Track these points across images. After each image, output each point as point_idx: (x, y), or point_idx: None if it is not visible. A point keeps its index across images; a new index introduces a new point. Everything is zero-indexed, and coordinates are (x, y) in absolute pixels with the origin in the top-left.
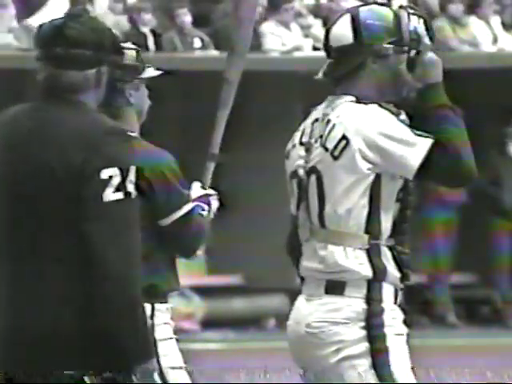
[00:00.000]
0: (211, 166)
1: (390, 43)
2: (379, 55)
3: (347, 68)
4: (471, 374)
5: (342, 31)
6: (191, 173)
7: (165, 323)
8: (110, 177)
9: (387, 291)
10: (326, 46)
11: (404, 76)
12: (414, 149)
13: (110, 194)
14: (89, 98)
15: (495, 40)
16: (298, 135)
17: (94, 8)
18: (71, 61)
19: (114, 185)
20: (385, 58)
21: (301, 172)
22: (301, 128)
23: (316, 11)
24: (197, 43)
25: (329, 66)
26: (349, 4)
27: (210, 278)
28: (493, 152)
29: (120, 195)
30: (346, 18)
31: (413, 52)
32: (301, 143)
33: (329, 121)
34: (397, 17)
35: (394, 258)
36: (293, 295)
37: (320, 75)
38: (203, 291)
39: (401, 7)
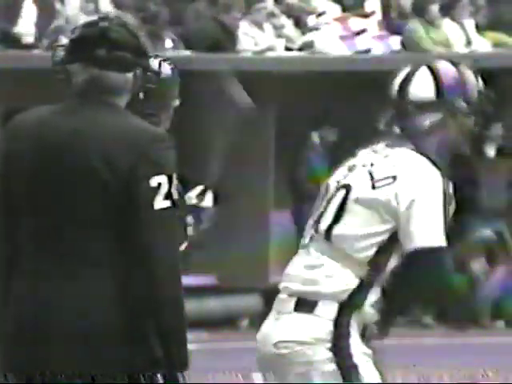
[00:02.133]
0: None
1: (464, 101)
2: (456, 113)
3: (426, 124)
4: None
5: (424, 86)
6: None
7: None
8: (159, 184)
9: (357, 320)
10: (400, 98)
11: (466, 136)
12: (429, 233)
13: (159, 202)
14: (122, 101)
15: (469, 42)
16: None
17: (65, 8)
18: (115, 62)
19: (162, 193)
20: (459, 116)
21: (332, 185)
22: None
23: (288, 11)
24: (168, 43)
25: (392, 119)
26: (319, 4)
27: (183, 279)
28: (470, 152)
29: (168, 203)
30: (426, 72)
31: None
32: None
33: (387, 156)
34: (465, 76)
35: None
36: (267, 295)
37: (382, 127)
38: None
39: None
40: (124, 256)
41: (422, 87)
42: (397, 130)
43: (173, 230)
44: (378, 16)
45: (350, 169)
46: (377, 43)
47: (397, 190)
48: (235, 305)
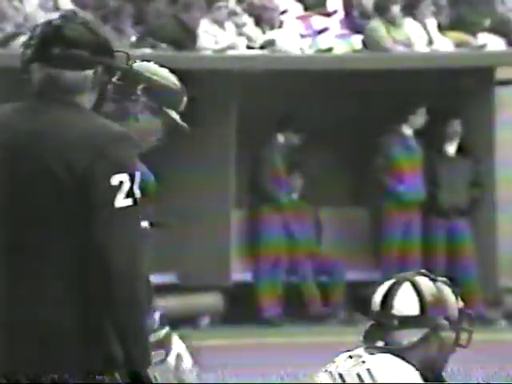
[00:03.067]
0: None
1: (446, 319)
2: (439, 329)
3: (408, 339)
4: None
5: (409, 302)
6: None
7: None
8: (121, 182)
9: None
10: (383, 312)
11: (447, 355)
12: None
13: (120, 200)
14: (84, 100)
15: (431, 42)
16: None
17: (23, 5)
18: (71, 61)
19: (124, 191)
20: (441, 333)
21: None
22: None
23: (250, 10)
24: (133, 40)
25: (373, 330)
26: (281, 2)
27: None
28: (430, 151)
29: (130, 201)
30: (409, 288)
31: (464, 335)
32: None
33: (364, 361)
34: (444, 292)
35: None
36: (228, 293)
37: (362, 339)
38: None
39: (444, 282)
40: (83, 255)
41: (406, 303)
42: (379, 342)
43: (134, 229)
44: (340, 15)
45: (330, 375)
46: (340, 42)
47: None
48: (196, 303)
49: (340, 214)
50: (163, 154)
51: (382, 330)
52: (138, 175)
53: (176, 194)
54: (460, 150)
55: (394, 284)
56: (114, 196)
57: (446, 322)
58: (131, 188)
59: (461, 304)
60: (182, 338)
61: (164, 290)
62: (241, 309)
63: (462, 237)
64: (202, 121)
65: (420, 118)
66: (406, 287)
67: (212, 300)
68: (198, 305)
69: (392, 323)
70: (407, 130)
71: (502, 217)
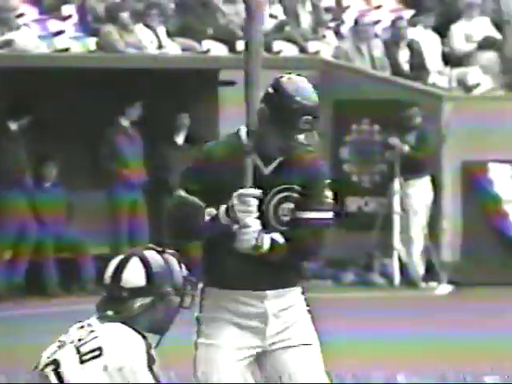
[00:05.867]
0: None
1: (170, 286)
2: (164, 296)
3: (137, 306)
4: None
5: (135, 274)
6: None
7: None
8: None
9: None
10: (114, 285)
11: (172, 317)
12: None
13: None
14: None
15: (160, 46)
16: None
17: None
18: None
19: None
20: (166, 298)
21: (43, 361)
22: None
23: None
24: None
25: (105, 301)
26: (17, 4)
27: None
28: (161, 140)
29: None
30: (137, 262)
31: (188, 298)
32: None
33: (94, 330)
34: (169, 263)
35: None
36: None
37: (97, 307)
38: None
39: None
40: None
41: (134, 275)
42: (110, 312)
43: None
44: (75, 19)
45: (60, 346)
46: (75, 43)
47: (104, 363)
48: None
49: (82, 199)
50: None
51: (113, 301)
52: None
53: None
54: (188, 139)
55: (124, 259)
56: None
57: (170, 289)
58: None
59: (185, 272)
60: None
61: None
62: None
63: None
64: None
65: (137, 111)
66: (135, 261)
67: None
68: None
69: (121, 294)
70: (125, 122)
71: None
